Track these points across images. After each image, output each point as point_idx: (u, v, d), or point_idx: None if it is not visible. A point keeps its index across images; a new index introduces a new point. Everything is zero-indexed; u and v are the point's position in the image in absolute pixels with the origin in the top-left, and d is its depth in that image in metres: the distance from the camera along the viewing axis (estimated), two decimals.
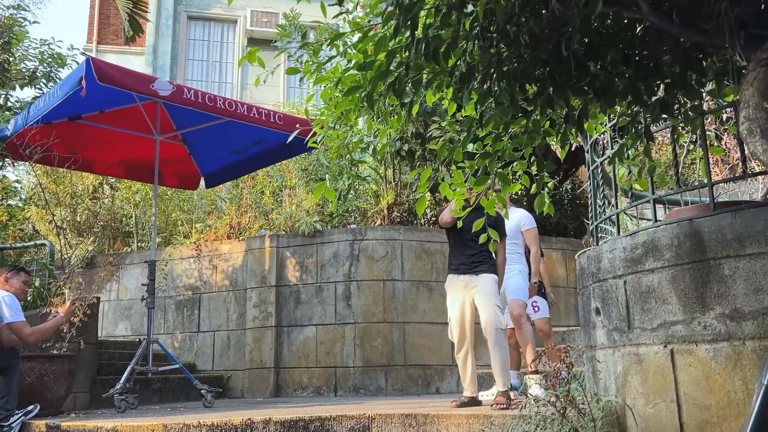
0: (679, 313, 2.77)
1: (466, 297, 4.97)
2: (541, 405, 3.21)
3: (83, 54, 8.86)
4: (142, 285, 6.57)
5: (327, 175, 8.02)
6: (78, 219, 9.33)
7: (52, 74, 8.82)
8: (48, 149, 6.08)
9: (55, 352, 5.48)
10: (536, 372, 5.08)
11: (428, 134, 7.36)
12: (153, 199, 7.19)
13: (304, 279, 7.59)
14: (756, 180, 6.12)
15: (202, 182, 8.40)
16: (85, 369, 6.06)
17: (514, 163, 3.06)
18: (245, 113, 6.33)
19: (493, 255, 4.99)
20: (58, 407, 5.45)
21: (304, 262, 7.63)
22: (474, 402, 4.90)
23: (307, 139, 3.34)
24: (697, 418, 2.69)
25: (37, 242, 8.30)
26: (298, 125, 4.96)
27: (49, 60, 8.80)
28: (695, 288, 2.73)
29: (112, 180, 9.59)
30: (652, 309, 2.88)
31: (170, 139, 7.49)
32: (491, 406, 4.55)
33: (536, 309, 5.78)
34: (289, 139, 4.18)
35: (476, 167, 2.97)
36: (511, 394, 4.74)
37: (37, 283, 6.57)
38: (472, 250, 4.88)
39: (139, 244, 9.37)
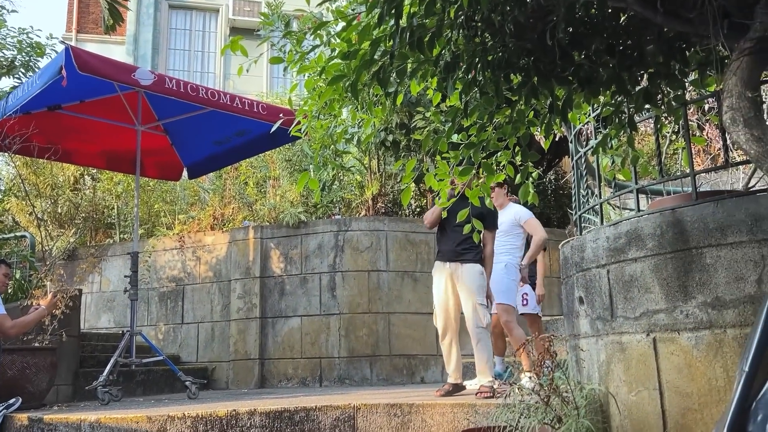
0: (662, 302, 2.79)
1: (451, 284, 4.99)
2: (526, 394, 3.23)
3: (62, 43, 8.75)
4: (125, 277, 6.52)
5: (311, 166, 7.98)
6: (59, 210, 9.22)
7: (30, 63, 8.72)
8: (27, 140, 5.99)
9: (36, 344, 5.43)
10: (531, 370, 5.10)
11: (413, 124, 7.34)
12: (135, 190, 7.11)
13: (289, 270, 7.56)
14: (737, 170, 6.18)
15: (185, 173, 8.33)
16: (67, 361, 6.00)
17: (499, 153, 3.06)
18: (228, 103, 6.28)
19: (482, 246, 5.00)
20: (41, 400, 5.40)
21: (289, 253, 7.60)
22: (458, 388, 4.92)
23: (290, 128, 3.32)
24: (679, 405, 2.72)
25: (18, 234, 8.19)
26: (281, 115, 4.92)
27: (28, 49, 8.69)
28: (677, 277, 2.75)
29: (94, 171, 9.48)
30: (635, 298, 2.90)
31: (152, 129, 7.41)
32: (476, 394, 4.57)
33: (525, 302, 5.72)
34: (273, 129, 4.15)
35: (461, 157, 2.97)
36: (496, 382, 4.77)
37: (17, 276, 6.49)
38: (459, 238, 4.88)
39: (122, 236, 9.29)
